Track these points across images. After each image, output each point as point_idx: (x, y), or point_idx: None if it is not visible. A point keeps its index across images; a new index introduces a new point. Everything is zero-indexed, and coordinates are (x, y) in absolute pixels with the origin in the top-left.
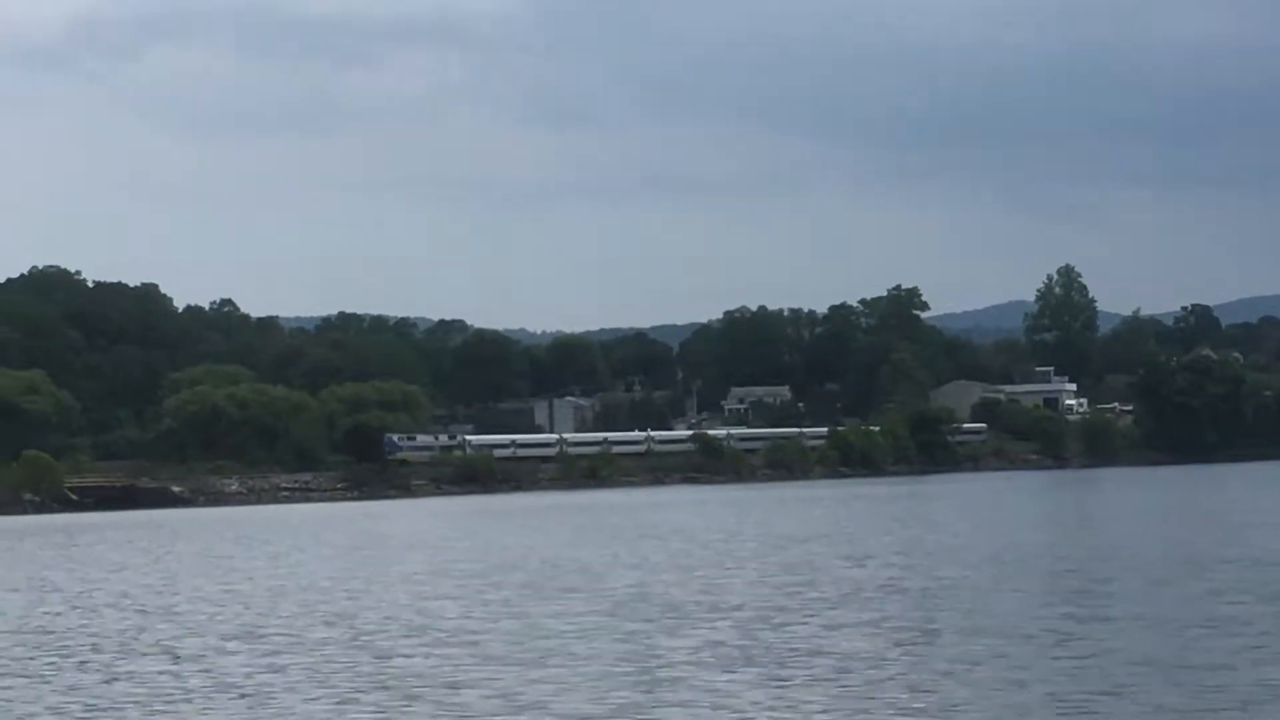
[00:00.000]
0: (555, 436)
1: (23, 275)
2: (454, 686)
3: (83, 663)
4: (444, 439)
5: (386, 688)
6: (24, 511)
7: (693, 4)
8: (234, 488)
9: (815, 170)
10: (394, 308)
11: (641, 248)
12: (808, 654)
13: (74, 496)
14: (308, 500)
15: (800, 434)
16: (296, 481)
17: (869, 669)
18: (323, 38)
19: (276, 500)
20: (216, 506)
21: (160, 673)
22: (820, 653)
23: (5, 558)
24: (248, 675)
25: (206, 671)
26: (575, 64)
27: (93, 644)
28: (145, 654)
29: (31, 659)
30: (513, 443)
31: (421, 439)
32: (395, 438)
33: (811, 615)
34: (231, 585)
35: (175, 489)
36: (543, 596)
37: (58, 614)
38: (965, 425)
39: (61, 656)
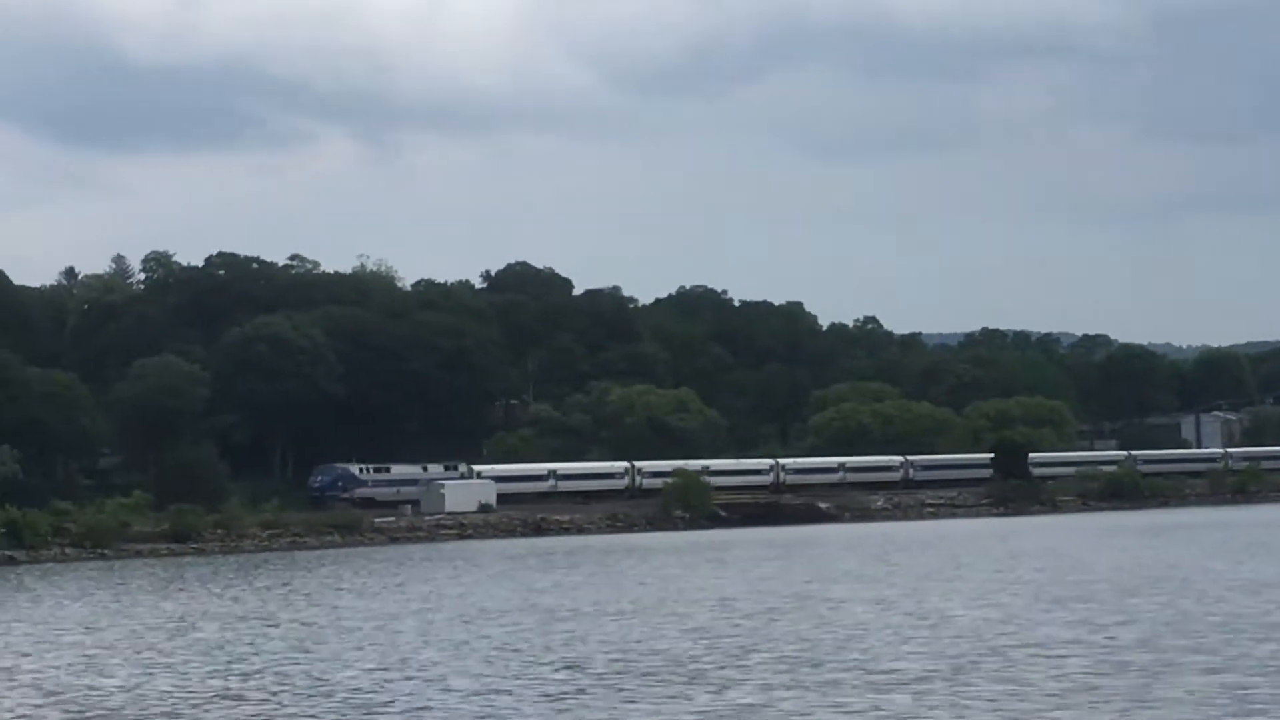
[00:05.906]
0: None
1: (671, 295)
2: None
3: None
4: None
5: None
6: (675, 528)
7: None
8: (879, 504)
9: None
10: (1036, 323)
11: None
12: None
13: (721, 513)
14: (953, 516)
15: None
16: (941, 498)
17: None
18: (936, 54)
19: (921, 517)
20: (862, 522)
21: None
22: None
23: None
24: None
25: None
26: (1198, 75)
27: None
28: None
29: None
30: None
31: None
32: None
33: None
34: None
35: (821, 505)
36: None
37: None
38: None
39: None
